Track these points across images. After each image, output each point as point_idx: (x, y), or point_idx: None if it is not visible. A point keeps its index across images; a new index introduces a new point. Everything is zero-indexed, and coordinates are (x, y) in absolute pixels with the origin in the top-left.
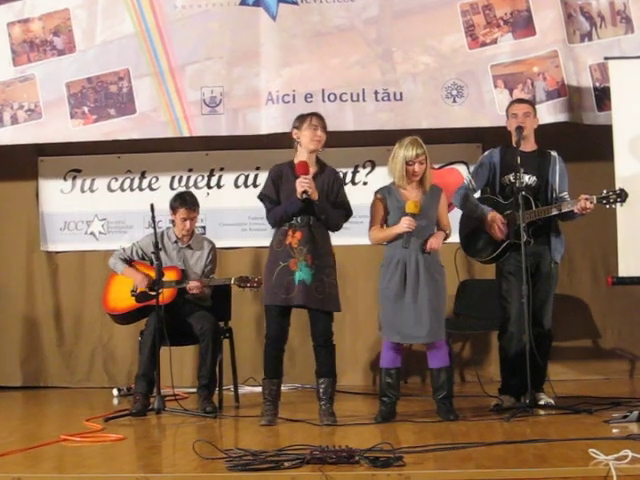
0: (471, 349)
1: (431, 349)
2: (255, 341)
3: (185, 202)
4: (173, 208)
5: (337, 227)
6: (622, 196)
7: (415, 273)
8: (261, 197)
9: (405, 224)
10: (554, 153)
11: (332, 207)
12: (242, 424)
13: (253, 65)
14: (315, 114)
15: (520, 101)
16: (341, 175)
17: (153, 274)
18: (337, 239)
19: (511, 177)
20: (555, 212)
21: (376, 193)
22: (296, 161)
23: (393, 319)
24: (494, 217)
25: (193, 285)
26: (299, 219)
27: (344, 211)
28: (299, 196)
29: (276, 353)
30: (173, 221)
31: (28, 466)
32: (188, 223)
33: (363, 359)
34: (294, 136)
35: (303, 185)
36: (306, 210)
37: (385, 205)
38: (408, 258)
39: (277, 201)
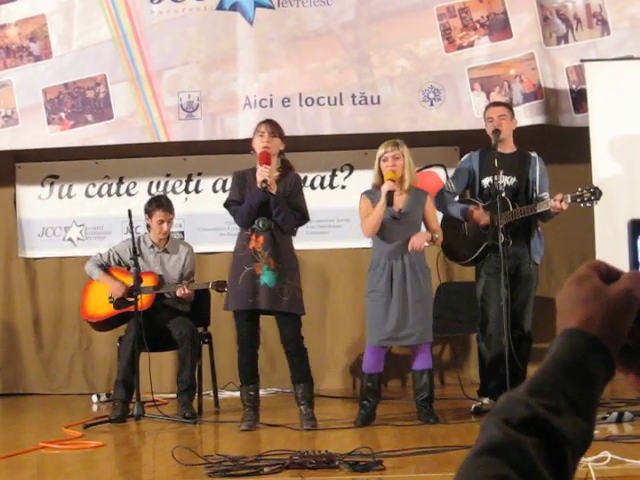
0: (451, 352)
1: (416, 351)
2: (234, 346)
3: (161, 204)
4: (149, 212)
5: (291, 227)
6: (596, 194)
7: (402, 275)
8: (227, 203)
9: (385, 185)
10: (534, 154)
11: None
12: (222, 429)
13: (230, 70)
14: (265, 120)
15: (495, 104)
16: (319, 179)
17: (129, 281)
18: (316, 243)
19: (490, 179)
20: (531, 212)
21: (361, 194)
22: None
23: (380, 322)
24: (473, 211)
25: (184, 293)
26: (260, 223)
27: (299, 214)
28: (259, 185)
29: (249, 358)
30: (149, 226)
31: (7, 474)
32: (165, 225)
33: (342, 363)
34: (252, 145)
35: (263, 174)
36: (266, 209)
37: (372, 203)
38: (394, 261)
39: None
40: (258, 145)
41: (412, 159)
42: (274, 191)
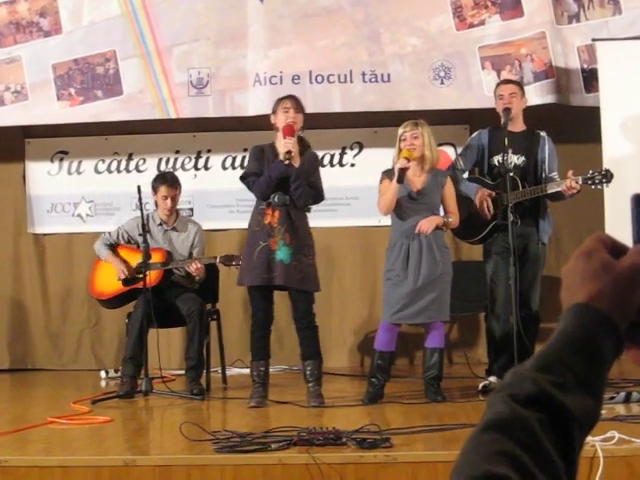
0: (459, 331)
1: (429, 329)
2: (242, 323)
3: (165, 180)
4: (154, 188)
5: (305, 203)
6: (607, 177)
7: (418, 255)
8: (244, 176)
9: (398, 163)
10: (543, 133)
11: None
12: (230, 406)
13: (240, 46)
14: (288, 96)
15: (506, 82)
16: (328, 157)
17: (138, 257)
18: (325, 221)
19: (499, 158)
20: (542, 193)
21: (382, 172)
22: (277, 144)
23: (394, 300)
24: (482, 195)
25: (195, 268)
26: (276, 198)
27: (315, 192)
28: (282, 157)
29: (262, 334)
30: (156, 203)
31: (15, 448)
32: (169, 201)
33: (350, 341)
34: (272, 121)
35: (287, 145)
36: (284, 184)
37: (391, 182)
38: (411, 240)
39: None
40: (283, 121)
41: (434, 139)
42: (297, 164)
